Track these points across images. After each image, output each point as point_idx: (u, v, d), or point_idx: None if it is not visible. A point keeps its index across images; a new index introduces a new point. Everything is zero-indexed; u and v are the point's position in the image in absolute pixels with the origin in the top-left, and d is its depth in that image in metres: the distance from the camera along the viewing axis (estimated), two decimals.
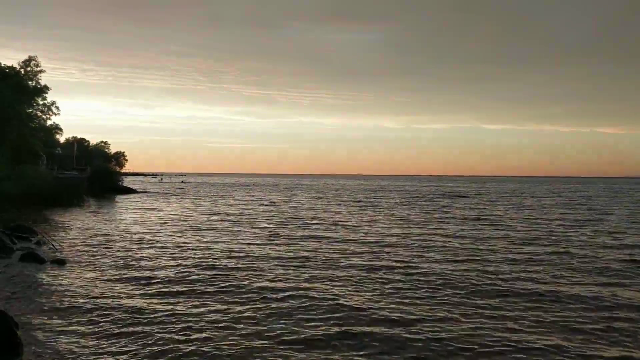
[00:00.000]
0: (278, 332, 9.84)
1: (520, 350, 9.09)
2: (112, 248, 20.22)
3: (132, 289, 13.23)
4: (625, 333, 10.08)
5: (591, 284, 14.55)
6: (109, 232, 25.54)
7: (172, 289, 13.27)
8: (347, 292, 13.12)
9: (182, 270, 15.86)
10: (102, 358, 8.45)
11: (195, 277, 14.83)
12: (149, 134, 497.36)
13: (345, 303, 11.97)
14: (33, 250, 18.15)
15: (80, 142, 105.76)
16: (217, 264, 16.96)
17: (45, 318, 10.51)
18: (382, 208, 46.29)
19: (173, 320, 10.54)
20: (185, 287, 13.56)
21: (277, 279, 14.74)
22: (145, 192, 75.57)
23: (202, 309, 11.36)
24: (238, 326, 10.18)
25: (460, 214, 38.99)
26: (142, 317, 10.71)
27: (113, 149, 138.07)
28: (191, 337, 9.47)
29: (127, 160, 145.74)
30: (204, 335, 9.61)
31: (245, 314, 11.03)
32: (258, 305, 11.75)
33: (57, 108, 57.11)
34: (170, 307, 11.48)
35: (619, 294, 13.31)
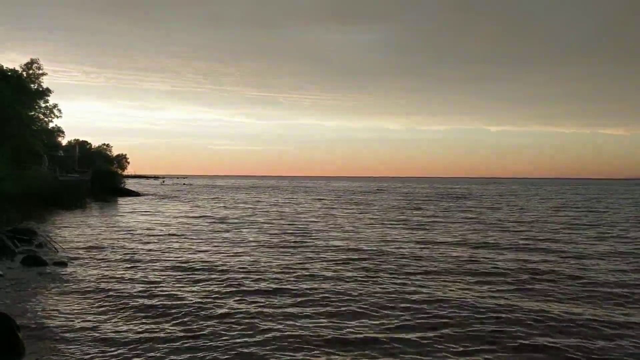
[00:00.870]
0: (286, 333, 9.83)
1: None
2: (113, 250, 20.22)
3: (133, 291, 13.22)
4: None
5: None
6: (110, 234, 25.56)
7: (173, 290, 13.26)
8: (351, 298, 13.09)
9: (184, 271, 15.86)
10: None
11: (198, 278, 14.82)
12: (151, 136, 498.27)
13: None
14: (34, 253, 18.16)
15: (82, 145, 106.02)
16: (219, 265, 16.95)
17: (47, 320, 10.50)
18: (383, 210, 46.25)
19: (174, 320, 10.53)
20: (186, 288, 13.55)
21: (279, 281, 14.71)
22: (147, 194, 75.62)
23: (206, 311, 11.34)
24: (248, 327, 10.16)
25: (462, 216, 38.93)
26: (144, 319, 10.70)
27: (115, 152, 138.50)
28: (196, 338, 9.46)
29: (128, 162, 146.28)
30: (207, 337, 9.60)
31: (257, 315, 11.01)
32: (267, 305, 11.73)
33: (59, 111, 57.40)
34: (171, 308, 11.48)
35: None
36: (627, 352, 9.13)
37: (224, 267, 16.65)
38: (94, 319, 10.62)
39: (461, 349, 9.20)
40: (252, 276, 15.27)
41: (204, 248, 21.14)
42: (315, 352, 8.96)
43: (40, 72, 54.50)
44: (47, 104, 55.97)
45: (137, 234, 25.86)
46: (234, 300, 12.33)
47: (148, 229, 28.69)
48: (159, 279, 14.73)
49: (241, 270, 16.22)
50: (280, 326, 10.28)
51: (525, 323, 10.70)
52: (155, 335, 9.67)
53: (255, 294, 13.01)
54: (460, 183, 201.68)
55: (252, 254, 19.50)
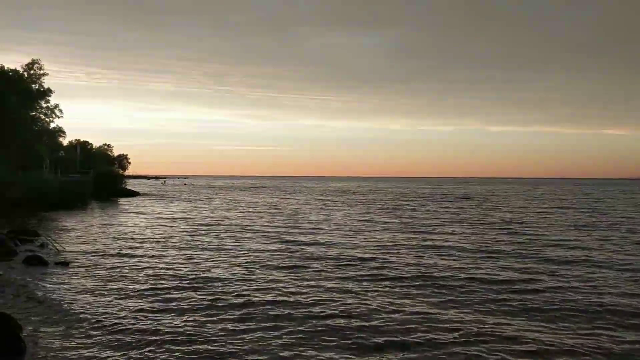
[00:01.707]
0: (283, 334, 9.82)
1: None
2: (115, 250, 20.22)
3: (135, 291, 13.21)
4: None
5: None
6: (112, 235, 25.56)
7: (175, 292, 13.23)
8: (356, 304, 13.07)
9: (185, 272, 15.84)
10: None
11: (200, 279, 14.80)
12: (154, 137, 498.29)
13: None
14: (36, 253, 18.18)
15: (83, 145, 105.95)
16: (221, 267, 16.95)
17: (49, 320, 10.50)
18: (387, 211, 46.24)
19: (176, 321, 10.52)
20: (188, 288, 13.52)
21: (275, 287, 14.69)
22: (148, 194, 75.67)
23: (209, 311, 11.33)
24: (247, 332, 10.15)
25: (466, 218, 38.89)
26: (145, 319, 10.69)
27: (118, 152, 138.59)
28: (201, 337, 9.44)
29: (130, 162, 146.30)
30: (211, 339, 9.57)
31: (253, 322, 10.99)
32: (262, 312, 11.72)
33: (60, 111, 57.38)
34: (173, 309, 11.47)
35: None
36: None
37: (224, 268, 16.65)
38: (95, 319, 10.59)
39: None
40: (259, 283, 15.24)
41: (204, 249, 21.12)
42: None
43: (42, 72, 54.54)
44: (49, 104, 56.00)
45: (138, 235, 25.85)
46: (234, 301, 12.33)
47: (149, 229, 28.68)
48: (160, 279, 14.72)
49: (242, 270, 16.22)
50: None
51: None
52: (157, 335, 9.66)
53: (264, 302, 12.97)
54: (463, 183, 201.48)
55: (256, 261, 19.43)
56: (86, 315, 10.86)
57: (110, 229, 28.08)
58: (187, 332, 9.79)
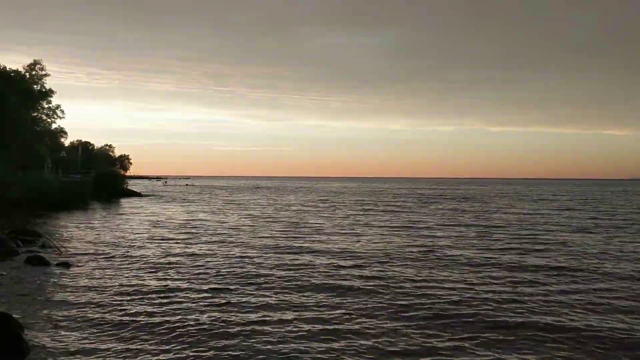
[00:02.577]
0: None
1: None
2: (116, 250, 20.22)
3: (136, 292, 13.20)
4: None
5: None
6: (113, 235, 25.56)
7: (176, 292, 13.23)
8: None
9: (186, 273, 15.84)
10: None
11: (201, 280, 14.79)
12: (155, 137, 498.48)
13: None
14: (38, 253, 18.17)
15: (85, 146, 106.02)
16: (222, 268, 16.94)
17: (50, 321, 10.49)
18: (388, 212, 46.22)
19: (177, 322, 10.50)
20: (189, 289, 13.52)
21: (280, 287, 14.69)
22: (150, 195, 75.69)
23: (209, 312, 11.32)
24: (247, 331, 10.14)
25: (467, 219, 38.87)
26: (146, 319, 10.68)
27: (119, 152, 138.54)
28: (200, 339, 9.43)
29: (131, 163, 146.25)
30: (212, 339, 9.56)
31: (255, 320, 10.98)
32: (263, 311, 11.71)
33: (62, 111, 57.51)
34: (174, 310, 11.46)
35: None
36: None
37: (225, 269, 16.64)
38: (97, 320, 10.60)
39: None
40: (258, 283, 15.24)
41: (206, 249, 21.12)
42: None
43: (43, 73, 54.64)
44: (50, 105, 56.09)
45: (140, 235, 25.84)
46: (236, 301, 12.32)
47: (150, 230, 28.68)
48: (161, 280, 14.72)
49: (241, 271, 16.21)
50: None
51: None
52: (158, 335, 9.65)
53: (265, 301, 12.97)
54: (464, 184, 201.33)
55: (258, 262, 19.43)
56: (88, 316, 10.86)
57: (112, 230, 28.08)
58: (191, 332, 9.78)
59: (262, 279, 14.90)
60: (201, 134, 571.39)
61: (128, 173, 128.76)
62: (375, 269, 16.57)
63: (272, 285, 14.09)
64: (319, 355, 8.69)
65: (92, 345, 9.05)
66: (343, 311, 11.40)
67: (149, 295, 12.78)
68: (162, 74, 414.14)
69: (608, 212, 45.48)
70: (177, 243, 22.90)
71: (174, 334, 9.74)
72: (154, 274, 15.54)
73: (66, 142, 75.82)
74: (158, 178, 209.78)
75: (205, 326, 10.21)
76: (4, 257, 17.24)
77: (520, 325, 10.44)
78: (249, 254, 19.51)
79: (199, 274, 15.63)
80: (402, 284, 14.14)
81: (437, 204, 56.22)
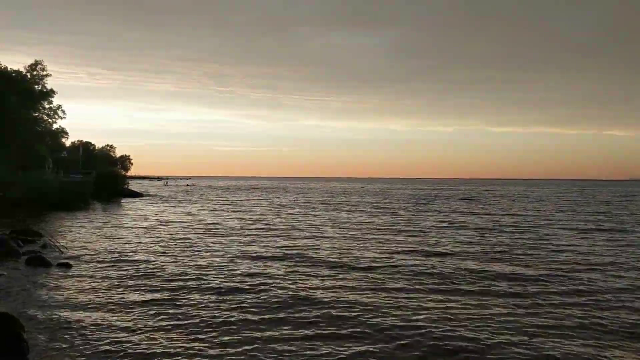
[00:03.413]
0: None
1: None
2: (117, 251, 20.22)
3: (137, 292, 13.21)
4: None
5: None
6: (114, 235, 25.57)
7: (177, 293, 13.24)
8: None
9: (187, 273, 15.84)
10: None
11: (201, 281, 14.79)
12: (156, 137, 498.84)
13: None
14: (39, 254, 18.17)
15: (86, 146, 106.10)
16: (223, 268, 16.95)
17: (51, 320, 10.49)
18: (389, 213, 46.23)
19: (178, 322, 10.51)
20: (190, 290, 13.53)
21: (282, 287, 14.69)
22: (150, 195, 75.71)
23: (208, 313, 11.32)
24: (248, 331, 10.14)
25: (469, 220, 38.86)
26: (147, 319, 10.69)
27: (120, 153, 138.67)
28: (199, 340, 9.43)
29: (132, 163, 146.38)
30: (214, 339, 9.57)
31: (256, 320, 10.99)
32: (265, 309, 11.71)
33: (63, 112, 57.55)
34: (175, 310, 11.46)
35: None
36: None
37: (226, 270, 16.65)
38: (98, 320, 10.60)
39: None
40: (266, 282, 15.24)
41: (208, 251, 21.11)
42: None
43: (44, 73, 54.69)
44: (51, 105, 56.13)
45: (140, 236, 25.85)
46: (236, 300, 12.33)
47: (151, 231, 28.69)
48: (162, 281, 14.72)
49: (253, 275, 16.21)
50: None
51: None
52: (160, 335, 9.65)
53: (267, 299, 12.97)
54: (465, 184, 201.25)
55: (260, 262, 19.45)
56: (89, 316, 10.86)
57: (113, 230, 28.08)
58: (192, 333, 9.79)
59: (267, 283, 14.90)
60: (201, 134, 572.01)
61: (129, 173, 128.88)
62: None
63: (281, 291, 14.11)
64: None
65: (93, 346, 9.05)
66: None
67: (149, 295, 12.78)
68: (163, 74, 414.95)
69: (616, 214, 45.53)
70: (177, 243, 22.88)
71: (176, 334, 9.75)
72: (155, 275, 15.53)
73: (67, 142, 75.88)
74: (159, 178, 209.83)
75: (207, 325, 10.23)
76: (4, 257, 17.25)
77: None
78: (249, 254, 19.52)
79: (200, 274, 15.63)
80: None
81: (446, 205, 56.21)
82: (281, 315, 11.12)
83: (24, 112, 49.16)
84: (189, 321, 10.60)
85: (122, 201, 59.79)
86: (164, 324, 10.41)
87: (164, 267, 16.87)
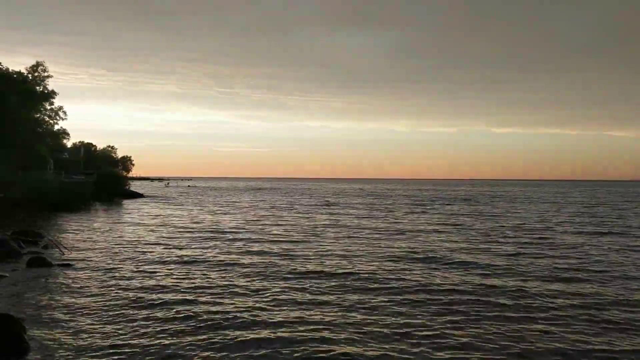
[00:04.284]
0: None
1: None
2: (118, 252, 20.26)
3: (138, 292, 13.23)
4: None
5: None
6: (115, 236, 25.60)
7: (177, 293, 13.26)
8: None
9: (187, 273, 15.87)
10: None
11: (201, 282, 14.82)
12: (158, 138, 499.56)
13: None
14: (40, 254, 18.21)
15: (87, 147, 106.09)
16: (224, 269, 16.99)
17: (52, 321, 10.52)
18: (390, 214, 46.22)
19: (179, 322, 10.53)
20: (190, 290, 13.55)
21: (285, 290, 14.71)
22: (152, 196, 75.77)
23: (207, 313, 11.34)
24: (248, 331, 10.16)
25: (469, 222, 38.85)
26: (148, 319, 10.72)
27: (122, 153, 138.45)
28: (201, 340, 9.46)
29: (133, 164, 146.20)
30: (213, 338, 9.59)
31: (261, 320, 11.02)
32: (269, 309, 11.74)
33: (65, 113, 57.52)
34: (175, 310, 11.49)
35: None
36: None
37: (226, 270, 16.68)
38: (99, 320, 10.63)
39: None
40: (264, 284, 15.28)
41: (205, 252, 21.14)
42: None
43: (46, 74, 54.67)
44: (53, 106, 56.14)
45: (141, 236, 25.88)
46: (236, 301, 12.35)
47: (151, 231, 28.72)
48: (163, 281, 14.74)
49: (241, 273, 16.25)
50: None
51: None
52: (161, 336, 9.68)
53: (266, 300, 13.00)
54: (465, 184, 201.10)
55: (262, 263, 19.46)
56: (89, 317, 10.89)
57: (114, 231, 28.11)
58: (194, 332, 9.81)
59: (266, 290, 14.94)
60: (202, 135, 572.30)
61: (130, 174, 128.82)
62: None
63: (281, 297, 14.14)
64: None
65: (93, 346, 9.08)
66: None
67: (150, 296, 12.81)
68: (164, 75, 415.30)
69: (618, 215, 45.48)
70: (177, 244, 22.91)
71: (176, 334, 9.77)
72: (155, 275, 15.56)
73: (68, 143, 75.93)
74: (160, 179, 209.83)
75: (209, 324, 10.26)
76: (6, 258, 17.29)
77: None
78: (251, 255, 19.55)
79: (201, 274, 15.66)
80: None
81: (448, 206, 56.20)
82: (280, 317, 11.16)
83: (24, 112, 49.15)
84: (189, 321, 10.62)
85: (123, 202, 59.84)
86: (164, 324, 10.43)
87: (164, 267, 16.89)
